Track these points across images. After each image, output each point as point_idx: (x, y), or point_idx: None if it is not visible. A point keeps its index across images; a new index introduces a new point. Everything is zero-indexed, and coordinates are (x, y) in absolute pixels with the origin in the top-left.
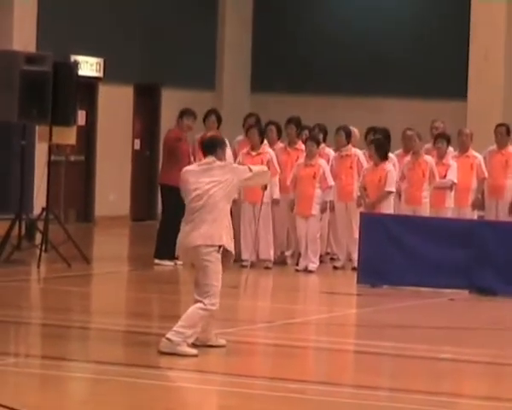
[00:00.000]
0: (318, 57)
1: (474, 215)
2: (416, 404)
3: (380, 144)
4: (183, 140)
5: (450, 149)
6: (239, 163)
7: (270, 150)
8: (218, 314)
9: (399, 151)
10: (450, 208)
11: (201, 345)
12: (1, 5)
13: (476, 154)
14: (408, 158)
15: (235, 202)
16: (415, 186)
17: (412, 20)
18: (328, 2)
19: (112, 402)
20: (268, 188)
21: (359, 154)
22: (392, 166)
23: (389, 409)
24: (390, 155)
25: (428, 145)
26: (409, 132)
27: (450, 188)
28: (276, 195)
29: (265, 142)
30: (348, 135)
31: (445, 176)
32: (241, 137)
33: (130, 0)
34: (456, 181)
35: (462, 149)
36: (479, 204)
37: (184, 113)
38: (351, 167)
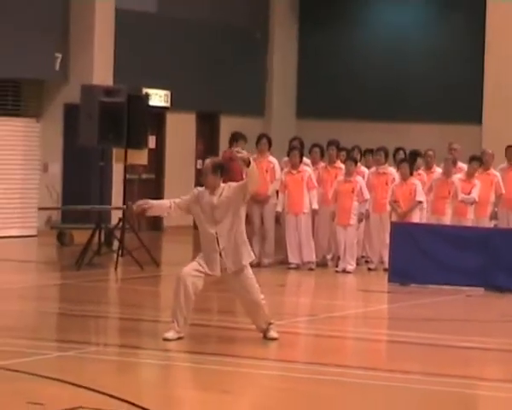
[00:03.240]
0: (353, 88)
1: (491, 225)
2: (442, 386)
3: (408, 162)
4: (235, 160)
5: (462, 165)
6: (282, 181)
7: (308, 168)
8: (268, 309)
9: (422, 169)
10: (470, 219)
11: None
12: (83, 46)
13: (496, 172)
14: (436, 174)
15: (280, 213)
16: (440, 199)
17: (432, 54)
18: (364, 39)
19: (179, 385)
20: (308, 200)
21: (394, 172)
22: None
23: (419, 391)
24: (392, 169)
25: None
26: (430, 153)
27: (472, 203)
28: (315, 206)
29: (305, 161)
30: (386, 155)
31: (469, 192)
32: (286, 159)
33: (192, 41)
34: (477, 199)
35: (485, 167)
36: (495, 215)
37: (237, 136)
38: (386, 183)
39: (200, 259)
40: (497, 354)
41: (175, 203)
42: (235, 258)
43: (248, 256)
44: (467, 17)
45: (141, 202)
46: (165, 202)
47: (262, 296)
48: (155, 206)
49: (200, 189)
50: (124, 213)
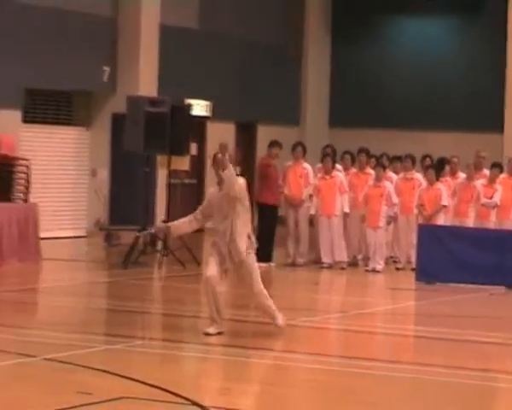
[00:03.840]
0: (382, 99)
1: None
2: (464, 378)
3: (434, 168)
4: (272, 166)
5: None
6: (315, 185)
7: (339, 174)
8: (302, 305)
9: (447, 175)
10: (492, 221)
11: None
12: (129, 60)
13: None
14: (460, 180)
15: (313, 216)
16: (464, 203)
17: (456, 66)
18: (391, 52)
19: (219, 376)
20: (340, 204)
21: (420, 178)
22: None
23: (442, 383)
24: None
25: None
26: (454, 160)
27: (494, 207)
28: (346, 209)
29: (337, 167)
30: (413, 162)
31: (491, 197)
32: (320, 165)
33: (231, 55)
34: (499, 203)
35: (510, 173)
36: None
37: (272, 143)
38: (413, 188)
39: (215, 255)
40: None
41: (194, 217)
42: (236, 250)
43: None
44: (488, 29)
45: (161, 226)
46: (185, 220)
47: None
48: (176, 226)
49: (211, 190)
50: (167, 216)
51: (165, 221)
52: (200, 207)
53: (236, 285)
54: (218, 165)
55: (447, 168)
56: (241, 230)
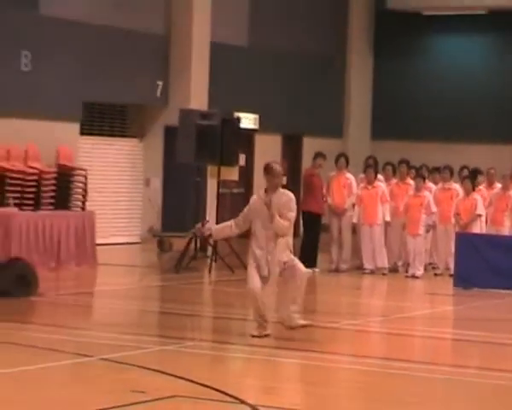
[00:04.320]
0: (423, 112)
1: None
2: (498, 380)
3: (472, 180)
4: (316, 176)
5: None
6: (358, 195)
7: (382, 185)
8: (345, 309)
9: (484, 185)
10: None
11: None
12: (181, 75)
13: None
14: (496, 190)
15: (356, 224)
16: (499, 212)
17: (493, 82)
18: (430, 67)
19: (264, 376)
20: (381, 213)
21: (458, 188)
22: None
23: (478, 384)
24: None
25: None
26: (491, 171)
27: None
28: (388, 218)
29: (379, 177)
30: (451, 172)
31: None
32: (362, 175)
33: (278, 70)
34: None
35: None
36: None
37: (317, 155)
38: (451, 198)
39: (252, 263)
40: None
41: (235, 222)
42: (273, 262)
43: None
44: None
45: (203, 229)
46: (226, 224)
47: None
48: (218, 229)
49: (254, 197)
50: (217, 223)
51: (204, 224)
52: (242, 213)
53: (281, 289)
54: (277, 178)
55: (480, 178)
56: (282, 242)
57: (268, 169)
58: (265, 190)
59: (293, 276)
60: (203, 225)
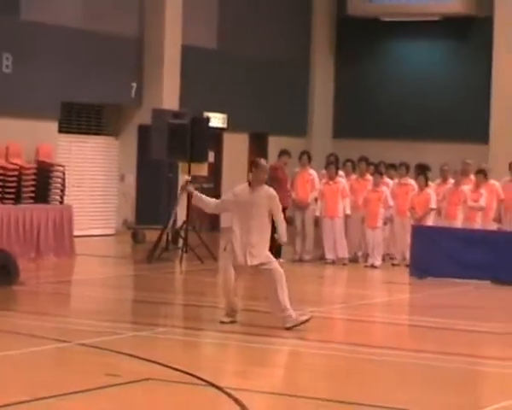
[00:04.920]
0: (381, 112)
1: (495, 227)
2: (452, 363)
3: (424, 175)
4: (280, 170)
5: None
6: (320, 190)
7: (342, 180)
8: (309, 297)
9: (438, 181)
10: (478, 222)
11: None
12: (154, 77)
13: (494, 181)
14: (449, 185)
15: (318, 217)
16: (452, 206)
17: (448, 85)
18: (389, 70)
19: (233, 360)
20: (342, 206)
21: (414, 184)
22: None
23: (435, 368)
24: (429, 182)
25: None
26: (445, 167)
27: (480, 210)
28: (348, 211)
29: (340, 173)
30: (407, 169)
31: (477, 201)
32: (324, 171)
33: (245, 72)
34: (485, 206)
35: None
36: (499, 219)
37: (282, 152)
38: (407, 193)
39: (231, 257)
40: (499, 336)
41: (215, 202)
42: (252, 255)
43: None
44: (476, 52)
45: (191, 189)
46: (207, 198)
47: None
48: (198, 197)
49: (241, 187)
50: (188, 217)
51: (184, 222)
52: (224, 198)
53: (248, 278)
54: (264, 173)
55: (429, 174)
56: (263, 236)
57: (256, 164)
58: (249, 184)
59: (274, 280)
60: (188, 183)
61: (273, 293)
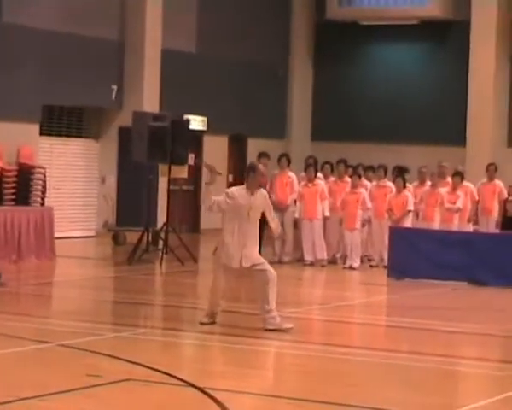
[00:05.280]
0: (359, 115)
1: (471, 228)
2: (428, 363)
3: (402, 177)
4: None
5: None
6: (299, 192)
7: (321, 182)
8: (288, 298)
9: (416, 183)
10: (455, 224)
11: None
12: (135, 80)
13: (468, 183)
14: (426, 187)
15: (297, 219)
16: (430, 208)
17: (426, 88)
18: (368, 73)
19: (212, 361)
20: (321, 208)
21: (392, 186)
22: (409, 193)
23: (412, 368)
24: (407, 184)
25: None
26: (423, 170)
27: (457, 211)
28: (327, 213)
29: (319, 175)
30: (385, 171)
31: (454, 202)
32: (303, 174)
33: (225, 76)
34: (462, 208)
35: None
36: (475, 221)
37: (261, 155)
38: (385, 195)
39: (224, 254)
40: (475, 337)
41: (217, 201)
42: (247, 256)
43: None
44: (453, 55)
45: (214, 174)
46: (210, 199)
47: None
48: (209, 191)
49: (239, 190)
50: (167, 218)
51: (165, 223)
52: (220, 200)
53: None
54: (261, 177)
55: (407, 176)
56: (255, 239)
57: (253, 168)
58: (246, 188)
59: (267, 281)
60: (214, 172)
61: (263, 293)
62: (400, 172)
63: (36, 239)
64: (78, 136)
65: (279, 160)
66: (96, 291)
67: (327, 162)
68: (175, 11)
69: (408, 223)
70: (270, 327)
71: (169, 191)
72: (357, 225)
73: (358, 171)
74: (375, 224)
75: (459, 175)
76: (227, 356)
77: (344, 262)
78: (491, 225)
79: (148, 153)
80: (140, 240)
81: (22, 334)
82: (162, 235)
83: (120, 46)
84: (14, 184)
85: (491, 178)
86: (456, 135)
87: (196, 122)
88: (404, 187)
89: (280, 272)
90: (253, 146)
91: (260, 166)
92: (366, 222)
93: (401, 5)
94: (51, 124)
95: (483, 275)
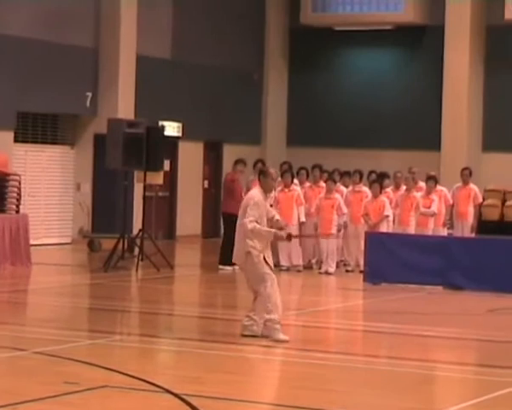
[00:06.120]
0: (335, 121)
1: (445, 232)
2: (404, 367)
3: (379, 182)
4: (237, 181)
5: (422, 184)
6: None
7: (298, 188)
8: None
9: (392, 188)
10: (430, 228)
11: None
12: (110, 87)
13: (442, 187)
14: (402, 192)
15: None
16: (405, 213)
17: (400, 94)
18: (343, 79)
19: (189, 367)
20: (297, 214)
21: (367, 191)
22: (387, 198)
23: (388, 372)
24: (387, 189)
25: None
26: (398, 174)
27: (432, 215)
28: (303, 219)
29: (296, 181)
30: (361, 176)
31: (429, 207)
32: (279, 179)
33: (200, 82)
34: (437, 212)
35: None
36: (450, 225)
37: (238, 161)
38: (361, 200)
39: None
40: (451, 341)
41: (257, 222)
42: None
43: None
44: (427, 61)
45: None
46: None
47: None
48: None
49: (259, 195)
50: (143, 225)
51: (140, 230)
52: (255, 213)
53: (206, 286)
54: (273, 181)
55: (386, 181)
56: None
57: (266, 173)
58: (265, 191)
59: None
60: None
61: (261, 297)
62: (380, 178)
63: (11, 246)
64: (53, 143)
65: (254, 165)
66: (71, 298)
67: (302, 168)
68: (150, 17)
69: (384, 228)
70: (247, 333)
71: (144, 198)
72: (333, 230)
73: (334, 176)
74: (350, 229)
75: (433, 179)
76: (203, 362)
77: (320, 268)
78: (466, 229)
79: (124, 159)
80: (115, 247)
81: None
82: (138, 241)
83: (95, 53)
84: None
85: (465, 183)
86: (431, 139)
87: (171, 128)
88: (381, 192)
89: None
90: (229, 152)
91: (273, 171)
92: (341, 227)
93: (376, 11)
94: (26, 131)
95: (458, 279)
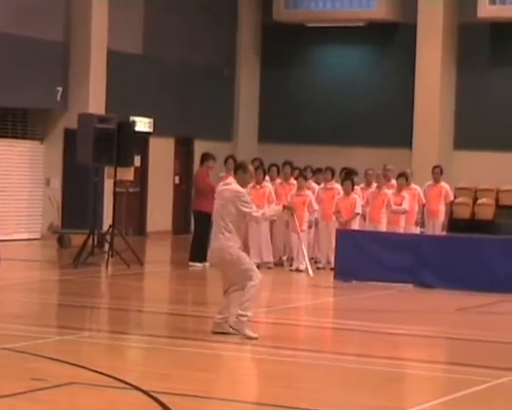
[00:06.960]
0: (306, 117)
1: (418, 230)
2: (376, 365)
3: (350, 180)
4: (208, 178)
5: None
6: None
7: (269, 185)
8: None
9: (362, 185)
10: (402, 226)
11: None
12: (80, 81)
13: (416, 186)
14: (373, 189)
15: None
16: (376, 210)
17: (371, 91)
18: (315, 76)
19: (159, 363)
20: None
21: (339, 188)
22: (357, 195)
23: (358, 370)
24: (355, 187)
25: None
26: (369, 172)
27: (403, 213)
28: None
29: (267, 178)
30: (333, 173)
31: (400, 204)
32: None
33: (171, 77)
34: (408, 209)
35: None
36: (422, 223)
37: (207, 156)
38: (332, 197)
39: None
40: (421, 339)
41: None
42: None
43: None
44: (399, 59)
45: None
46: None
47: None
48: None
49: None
50: (113, 221)
51: (110, 226)
52: (250, 202)
53: (176, 282)
54: (250, 177)
55: (356, 179)
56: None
57: (244, 168)
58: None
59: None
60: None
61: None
62: (348, 175)
63: None
64: (23, 137)
65: (225, 162)
66: (40, 294)
67: (273, 164)
68: (121, 12)
69: (355, 225)
70: (217, 330)
71: (115, 194)
72: (304, 227)
73: (305, 173)
74: (321, 226)
75: (404, 176)
76: (172, 359)
77: (290, 265)
78: (437, 227)
79: (94, 155)
80: (85, 243)
81: None
82: (108, 238)
83: (65, 47)
84: None
85: (436, 181)
86: (402, 137)
87: (142, 124)
88: (353, 189)
89: None
90: (200, 148)
91: (250, 166)
92: (312, 224)
93: (348, 7)
94: None
95: (429, 277)
